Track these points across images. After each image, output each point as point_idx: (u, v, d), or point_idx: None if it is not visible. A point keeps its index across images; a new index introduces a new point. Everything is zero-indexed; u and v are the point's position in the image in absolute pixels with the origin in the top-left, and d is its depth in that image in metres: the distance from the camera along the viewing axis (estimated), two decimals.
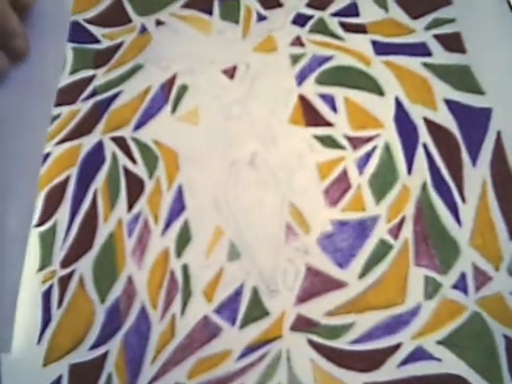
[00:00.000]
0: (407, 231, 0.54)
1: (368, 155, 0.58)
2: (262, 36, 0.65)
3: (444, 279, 0.52)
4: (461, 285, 0.52)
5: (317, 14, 0.66)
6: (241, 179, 0.59)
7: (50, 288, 0.58)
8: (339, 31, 0.64)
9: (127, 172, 0.61)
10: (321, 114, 0.60)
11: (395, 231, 0.54)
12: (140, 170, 0.61)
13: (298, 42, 0.64)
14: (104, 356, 0.54)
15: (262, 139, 0.60)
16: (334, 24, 0.65)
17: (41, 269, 0.59)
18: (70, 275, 0.58)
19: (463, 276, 0.52)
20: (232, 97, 0.63)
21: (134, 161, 0.62)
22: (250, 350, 0.52)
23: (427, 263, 0.53)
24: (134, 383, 0.53)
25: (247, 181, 0.59)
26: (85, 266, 0.58)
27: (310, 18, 0.65)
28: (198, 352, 0.53)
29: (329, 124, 0.60)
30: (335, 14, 0.65)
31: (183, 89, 0.64)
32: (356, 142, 0.58)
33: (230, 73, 0.64)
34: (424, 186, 0.56)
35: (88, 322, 0.56)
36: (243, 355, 0.52)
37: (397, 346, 0.51)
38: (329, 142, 0.59)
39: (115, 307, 0.56)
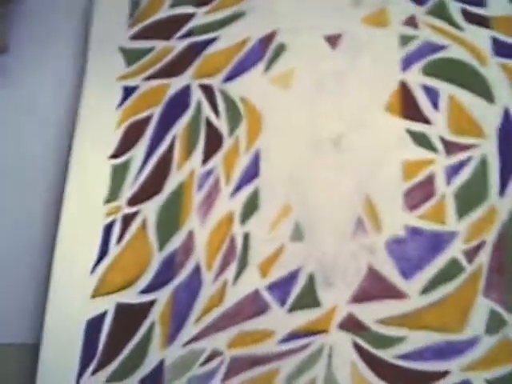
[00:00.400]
0: (484, 257, 0.48)
1: (461, 165, 0.51)
2: (376, 6, 0.58)
3: (510, 318, 0.46)
4: None
5: None
6: (321, 158, 0.54)
7: (113, 223, 0.55)
8: (459, 19, 0.56)
9: (209, 124, 0.57)
10: (420, 107, 0.53)
11: (471, 254, 0.48)
12: (222, 124, 0.56)
13: (412, 21, 0.56)
14: (151, 303, 0.51)
15: (352, 121, 0.54)
16: (455, 9, 0.56)
17: (107, 201, 0.55)
18: (134, 214, 0.55)
19: None
20: (330, 68, 0.57)
21: (217, 114, 0.57)
22: (294, 336, 0.49)
23: (497, 297, 0.47)
24: (175, 337, 0.50)
25: (327, 162, 0.53)
26: (150, 209, 0.55)
27: None
28: (242, 324, 0.50)
29: (426, 121, 0.53)
30: None
31: (281, 47, 0.58)
32: (451, 148, 0.52)
33: (333, 41, 0.57)
34: None
35: (143, 266, 0.53)
36: (286, 340, 0.49)
37: (444, 373, 0.46)
38: (422, 141, 0.52)
39: (171, 258, 0.53)
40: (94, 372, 0.50)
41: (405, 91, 0.54)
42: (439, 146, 0.52)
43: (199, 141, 0.56)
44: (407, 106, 0.54)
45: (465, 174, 0.51)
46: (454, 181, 0.50)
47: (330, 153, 0.53)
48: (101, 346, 0.51)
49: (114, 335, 0.51)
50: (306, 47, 0.58)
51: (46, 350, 0.51)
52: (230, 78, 0.58)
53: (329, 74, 0.56)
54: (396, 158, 0.52)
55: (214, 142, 0.56)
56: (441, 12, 0.56)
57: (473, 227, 0.49)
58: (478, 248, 0.48)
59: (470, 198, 0.50)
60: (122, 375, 0.50)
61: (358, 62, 0.56)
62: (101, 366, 0.50)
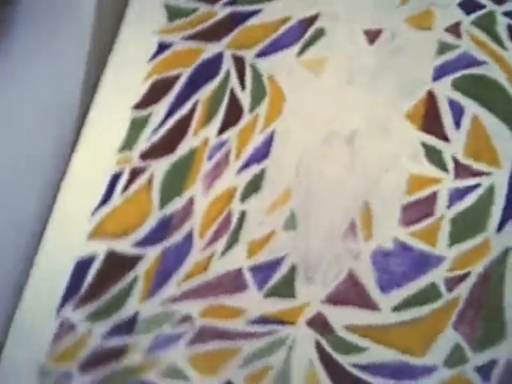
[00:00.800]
0: (464, 289, 0.46)
1: (467, 190, 0.49)
2: (422, 8, 0.55)
3: (473, 357, 0.45)
4: (485, 371, 0.45)
5: (490, 5, 0.53)
6: (332, 153, 0.53)
7: (121, 172, 0.56)
8: (504, 35, 0.52)
9: (233, 95, 0.56)
10: (442, 122, 0.51)
11: (452, 283, 0.47)
12: (245, 98, 0.56)
13: (455, 29, 0.53)
14: (140, 257, 0.53)
15: (371, 122, 0.53)
16: (502, 25, 0.53)
17: (121, 149, 0.56)
18: (143, 169, 0.56)
19: (492, 364, 0.45)
20: (364, 62, 0.55)
21: (243, 87, 0.56)
22: (263, 320, 0.49)
23: (466, 332, 0.45)
24: (154, 294, 0.52)
25: (336, 157, 0.52)
26: (159, 167, 0.55)
27: (480, 7, 0.53)
28: (218, 297, 0.51)
29: (445, 138, 0.50)
30: (509, 14, 0.53)
31: (320, 32, 0.56)
32: (462, 171, 0.49)
33: (372, 36, 0.55)
34: (506, 253, 0.47)
35: (140, 220, 0.54)
36: (255, 322, 0.49)
37: None
38: (434, 157, 0.50)
39: (169, 219, 0.54)
40: (75, 308, 0.53)
41: (430, 102, 0.52)
42: (450, 166, 0.50)
43: (220, 111, 0.56)
44: (429, 118, 0.51)
45: (468, 201, 0.49)
46: (456, 205, 0.49)
47: (341, 149, 0.52)
48: (85, 286, 0.53)
49: (99, 279, 0.53)
50: (344, 36, 0.56)
51: (33, 279, 0.53)
52: (263, 53, 0.57)
53: (361, 68, 0.55)
54: (404, 170, 0.50)
55: (233, 114, 0.56)
56: (487, 25, 0.53)
57: (462, 256, 0.47)
58: (461, 279, 0.47)
59: (466, 226, 0.48)
60: (98, 317, 0.52)
61: (392, 61, 0.54)
62: (81, 303, 0.52)
